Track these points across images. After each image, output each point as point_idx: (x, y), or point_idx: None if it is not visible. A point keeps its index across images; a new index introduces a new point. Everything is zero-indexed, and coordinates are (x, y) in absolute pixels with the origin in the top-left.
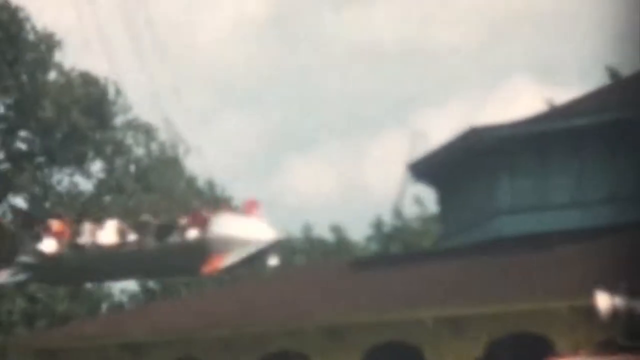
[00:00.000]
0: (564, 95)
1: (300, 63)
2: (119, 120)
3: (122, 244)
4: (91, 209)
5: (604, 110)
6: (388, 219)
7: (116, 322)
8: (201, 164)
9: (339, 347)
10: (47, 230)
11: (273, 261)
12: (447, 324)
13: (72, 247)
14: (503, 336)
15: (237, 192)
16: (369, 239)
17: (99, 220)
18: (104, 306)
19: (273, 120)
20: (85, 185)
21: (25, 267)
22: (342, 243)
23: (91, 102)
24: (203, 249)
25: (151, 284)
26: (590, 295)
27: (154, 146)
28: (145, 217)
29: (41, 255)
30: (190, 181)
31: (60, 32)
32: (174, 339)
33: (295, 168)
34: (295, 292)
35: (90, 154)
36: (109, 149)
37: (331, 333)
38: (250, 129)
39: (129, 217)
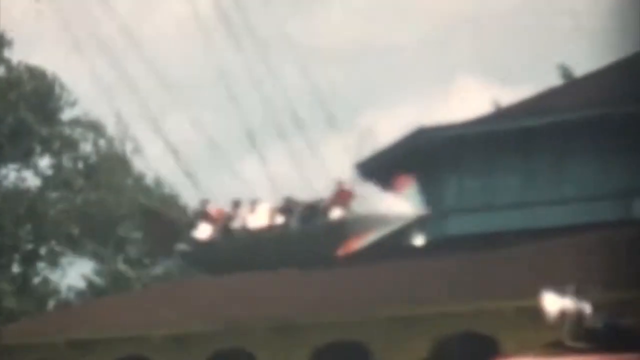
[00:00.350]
0: (513, 95)
1: (247, 62)
2: (66, 116)
3: (271, 227)
4: (37, 205)
5: (551, 111)
6: None
7: (63, 319)
8: (148, 162)
9: (287, 345)
10: (204, 216)
11: (419, 240)
12: (395, 323)
13: (225, 232)
14: (450, 336)
15: (184, 191)
16: None
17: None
18: (51, 303)
19: (219, 119)
20: (33, 181)
21: (183, 255)
22: None
23: (38, 97)
24: (344, 230)
25: (98, 280)
26: (537, 296)
27: (102, 143)
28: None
29: (196, 242)
30: (138, 179)
31: (8, 29)
32: (121, 337)
33: (241, 168)
34: (243, 290)
35: (38, 149)
36: (56, 145)
37: (279, 331)
38: (197, 128)
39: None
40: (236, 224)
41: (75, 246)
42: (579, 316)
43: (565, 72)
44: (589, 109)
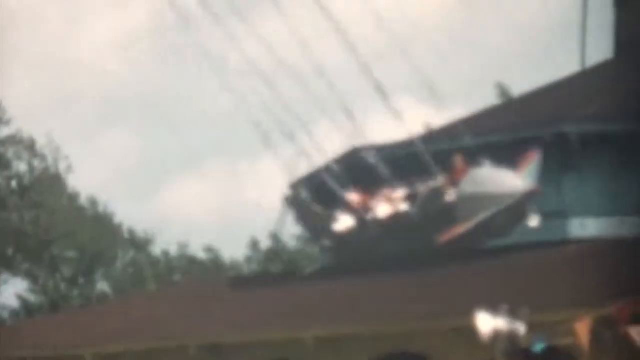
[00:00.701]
0: (448, 115)
1: (185, 79)
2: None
3: (395, 215)
4: None
5: (487, 131)
6: (268, 238)
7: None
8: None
9: None
10: (346, 206)
11: (533, 222)
12: (327, 343)
13: (361, 223)
14: (383, 356)
15: (119, 210)
16: (248, 259)
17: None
18: None
19: (155, 137)
20: None
21: (324, 251)
22: (217, 263)
23: None
24: (454, 212)
25: (32, 299)
26: (471, 316)
27: (36, 162)
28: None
29: (335, 236)
30: (72, 198)
31: None
32: (54, 356)
33: (177, 187)
34: (176, 310)
35: None
36: None
37: (211, 351)
38: (132, 146)
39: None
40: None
41: (10, 265)
42: (512, 336)
43: (503, 92)
44: (524, 130)
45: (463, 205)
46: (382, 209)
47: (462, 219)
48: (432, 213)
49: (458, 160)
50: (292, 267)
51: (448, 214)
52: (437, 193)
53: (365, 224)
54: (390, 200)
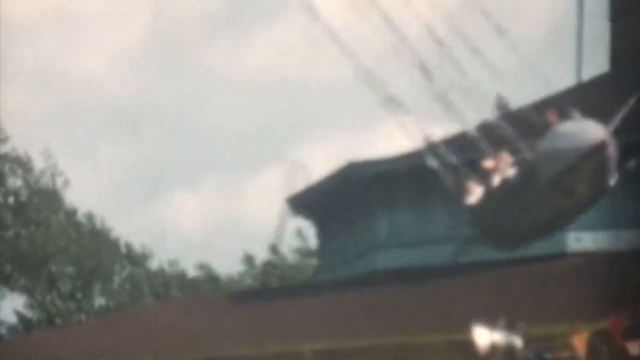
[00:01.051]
0: (444, 130)
1: (180, 95)
2: None
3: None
4: None
5: (478, 147)
6: (263, 253)
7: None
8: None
9: None
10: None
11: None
12: (324, 356)
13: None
14: None
15: (116, 225)
16: (243, 274)
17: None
18: None
19: (152, 152)
20: None
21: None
22: (211, 279)
23: None
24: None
25: (30, 314)
26: (468, 329)
27: (31, 178)
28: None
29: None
30: (70, 213)
31: None
32: None
33: (173, 202)
34: (172, 324)
35: None
36: None
37: None
38: (130, 161)
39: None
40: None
41: (7, 281)
42: (509, 350)
43: (501, 104)
44: (520, 143)
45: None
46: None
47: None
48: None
49: (551, 115)
50: (289, 280)
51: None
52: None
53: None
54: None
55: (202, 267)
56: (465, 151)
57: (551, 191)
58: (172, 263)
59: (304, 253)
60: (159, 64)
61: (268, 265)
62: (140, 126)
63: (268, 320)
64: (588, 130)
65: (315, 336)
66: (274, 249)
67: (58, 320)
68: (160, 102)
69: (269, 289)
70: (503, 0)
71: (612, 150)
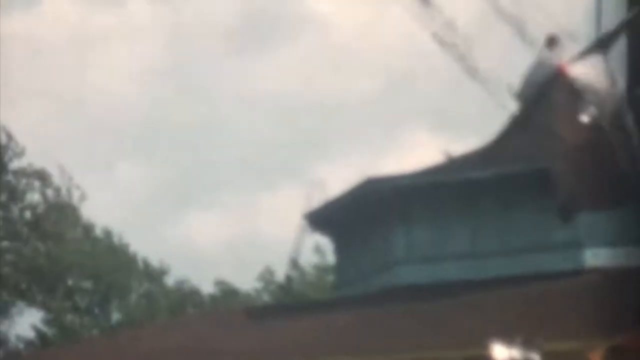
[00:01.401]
0: (462, 147)
1: (197, 112)
2: (13, 166)
3: None
4: None
5: (499, 163)
6: (282, 270)
7: None
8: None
9: None
10: None
11: None
12: None
13: None
14: None
15: (133, 241)
16: (261, 290)
17: None
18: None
19: (169, 170)
20: None
21: None
22: (228, 295)
23: None
24: None
25: (45, 329)
26: (485, 346)
27: (49, 193)
28: None
29: None
30: (87, 229)
31: None
32: None
33: (191, 218)
34: (188, 341)
35: None
36: (3, 196)
37: None
38: (148, 178)
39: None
40: None
41: (25, 296)
42: None
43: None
44: (535, 160)
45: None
46: None
47: None
48: None
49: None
50: (307, 296)
51: None
52: None
53: None
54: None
55: (219, 283)
56: None
57: None
58: (189, 279)
59: (322, 269)
60: (178, 81)
61: (286, 281)
62: (159, 143)
63: (285, 337)
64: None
65: (332, 352)
66: (292, 264)
67: (75, 336)
68: (179, 119)
69: (287, 305)
70: None
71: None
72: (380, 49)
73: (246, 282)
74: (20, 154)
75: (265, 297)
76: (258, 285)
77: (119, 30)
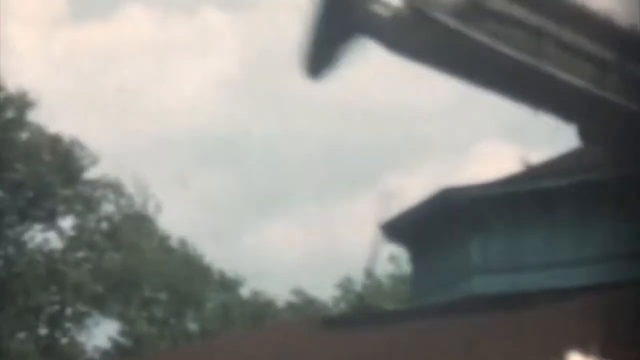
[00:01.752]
0: (537, 156)
1: (273, 122)
2: (88, 176)
3: None
4: (61, 267)
5: (575, 172)
6: (358, 279)
7: None
8: (172, 221)
9: None
10: None
11: None
12: None
13: None
14: None
15: (208, 251)
16: (338, 299)
17: None
18: None
19: (245, 180)
20: (57, 242)
21: None
22: (305, 304)
23: (59, 158)
24: None
25: (122, 340)
26: (563, 356)
27: (123, 202)
28: None
29: None
30: (163, 239)
31: (32, 92)
32: None
33: (266, 228)
34: (264, 352)
35: (61, 209)
36: (78, 206)
37: None
38: (221, 189)
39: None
40: None
41: (101, 306)
42: None
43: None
44: (611, 170)
45: None
46: None
47: None
48: None
49: None
50: (383, 306)
51: None
52: None
53: None
54: None
55: (296, 292)
56: None
57: None
58: (265, 289)
59: (397, 279)
60: (252, 91)
61: (363, 291)
62: (235, 153)
63: (361, 346)
64: None
65: None
66: (368, 274)
67: (150, 346)
68: (254, 129)
69: (363, 314)
70: None
71: None
72: None
73: (323, 291)
74: (94, 163)
75: (343, 306)
76: (335, 294)
77: (194, 40)
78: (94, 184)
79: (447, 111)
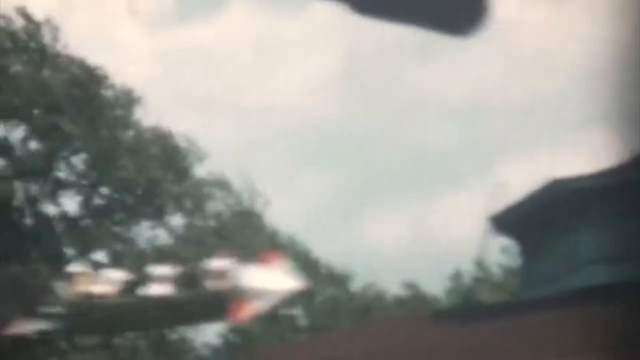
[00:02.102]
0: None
1: (376, 117)
2: (196, 174)
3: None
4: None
5: None
6: (467, 272)
7: None
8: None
9: None
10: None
11: (294, 311)
12: None
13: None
14: None
15: (316, 247)
16: (449, 292)
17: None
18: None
19: (351, 174)
20: (165, 239)
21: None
22: (416, 297)
23: (167, 155)
24: (224, 300)
25: (231, 336)
26: None
27: (231, 200)
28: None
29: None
30: (271, 235)
31: (138, 90)
32: None
33: (374, 222)
34: (376, 345)
35: (170, 206)
36: (187, 203)
37: None
38: (328, 184)
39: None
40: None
41: None
42: None
43: None
44: None
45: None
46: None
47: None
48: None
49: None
50: (494, 299)
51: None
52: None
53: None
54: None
55: (407, 286)
56: None
57: None
58: (375, 283)
59: (509, 271)
60: (358, 87)
61: (473, 283)
62: (340, 148)
63: (472, 339)
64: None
65: (518, 357)
66: (478, 266)
67: (259, 342)
68: (360, 124)
69: (474, 307)
70: None
71: None
72: (561, 48)
73: (433, 284)
74: (202, 159)
75: (454, 299)
76: (446, 286)
77: (300, 37)
78: (203, 181)
79: (551, 102)
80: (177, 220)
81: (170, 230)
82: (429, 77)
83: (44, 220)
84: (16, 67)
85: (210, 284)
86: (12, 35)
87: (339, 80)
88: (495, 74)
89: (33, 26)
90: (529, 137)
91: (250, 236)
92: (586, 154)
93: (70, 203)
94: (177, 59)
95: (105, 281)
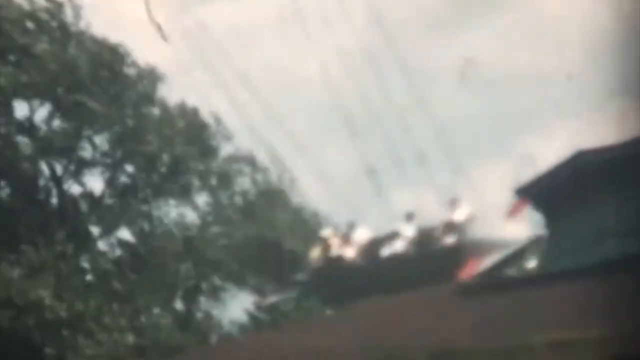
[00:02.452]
0: None
1: (400, 91)
2: (222, 151)
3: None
4: (197, 242)
5: None
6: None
7: (225, 353)
8: (305, 194)
9: None
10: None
11: (531, 263)
12: (557, 348)
13: (337, 260)
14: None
15: (341, 223)
16: None
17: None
18: (213, 337)
19: (378, 150)
20: (192, 217)
21: (299, 284)
22: None
23: (193, 132)
24: (459, 254)
25: (258, 313)
26: None
27: (259, 177)
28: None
29: (312, 271)
30: (297, 212)
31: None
32: None
33: (399, 197)
34: (404, 319)
35: (196, 184)
36: (213, 181)
37: (440, 358)
38: (353, 160)
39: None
40: (349, 252)
41: (238, 280)
42: None
43: None
44: None
45: (469, 247)
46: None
47: (470, 259)
48: (429, 253)
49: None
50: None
51: (451, 254)
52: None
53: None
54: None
55: None
56: None
57: None
58: None
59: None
60: (383, 60)
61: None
62: (366, 122)
63: (499, 312)
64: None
65: (547, 328)
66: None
67: (287, 319)
68: (385, 97)
69: (499, 280)
70: None
71: None
72: (588, 18)
73: None
74: (229, 137)
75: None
76: None
77: (321, 11)
78: (230, 158)
79: (577, 73)
80: (203, 197)
81: (196, 208)
82: (454, 48)
83: (68, 199)
84: (39, 47)
85: (448, 240)
86: (33, 14)
87: (363, 53)
88: (521, 45)
89: (55, 5)
90: (556, 108)
91: (276, 213)
92: (613, 125)
93: (95, 181)
94: (199, 37)
95: (349, 243)
